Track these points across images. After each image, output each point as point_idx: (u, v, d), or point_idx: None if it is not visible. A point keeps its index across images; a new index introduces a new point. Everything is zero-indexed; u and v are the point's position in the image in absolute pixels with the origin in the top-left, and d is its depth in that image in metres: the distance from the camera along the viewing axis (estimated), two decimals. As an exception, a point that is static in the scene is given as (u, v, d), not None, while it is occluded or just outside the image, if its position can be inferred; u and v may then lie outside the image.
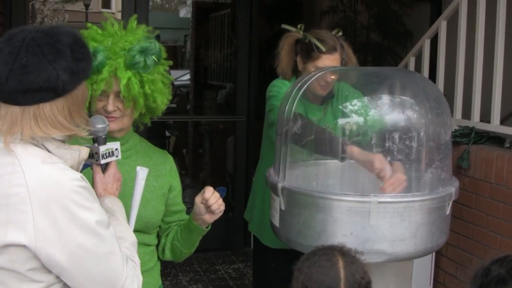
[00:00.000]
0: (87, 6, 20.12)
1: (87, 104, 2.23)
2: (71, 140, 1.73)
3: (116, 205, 1.98)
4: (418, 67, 4.51)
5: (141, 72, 2.18)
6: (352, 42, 7.10)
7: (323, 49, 2.91)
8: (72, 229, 1.58)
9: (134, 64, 2.16)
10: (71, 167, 1.68)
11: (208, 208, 2.20)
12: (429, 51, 4.42)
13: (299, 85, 2.75)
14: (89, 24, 2.26)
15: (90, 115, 2.28)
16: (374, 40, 7.18)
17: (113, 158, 2.06)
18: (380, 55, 7.00)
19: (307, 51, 2.97)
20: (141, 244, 2.34)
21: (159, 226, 2.40)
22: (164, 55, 2.31)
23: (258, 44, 6.16)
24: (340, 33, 3.06)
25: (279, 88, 3.01)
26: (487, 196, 3.48)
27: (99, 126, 2.07)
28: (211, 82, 8.76)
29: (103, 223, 1.65)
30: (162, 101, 2.28)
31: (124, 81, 2.14)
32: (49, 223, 1.55)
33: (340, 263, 1.83)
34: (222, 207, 2.23)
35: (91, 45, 2.19)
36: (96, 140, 2.07)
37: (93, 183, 2.04)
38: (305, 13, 8.48)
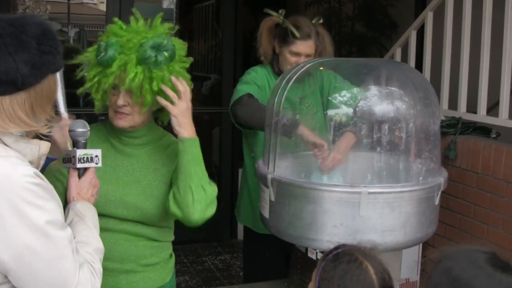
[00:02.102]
0: (69, -3, 19.96)
1: (99, 96, 2.23)
2: (32, 136, 1.66)
3: (88, 210, 1.92)
4: (405, 58, 4.53)
5: (151, 68, 2.17)
6: (337, 33, 7.16)
7: (298, 35, 3.04)
8: (19, 228, 1.50)
9: (145, 59, 2.15)
10: (31, 162, 1.62)
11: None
12: (415, 42, 4.43)
13: (287, 76, 2.74)
14: (115, 19, 2.26)
15: (106, 109, 2.29)
16: (359, 31, 7.19)
17: (92, 165, 2.04)
18: (365, 46, 7.02)
19: (283, 36, 3.10)
20: (141, 236, 2.34)
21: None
22: (182, 53, 2.29)
23: (243, 35, 6.14)
24: (321, 21, 3.18)
25: (251, 76, 3.16)
26: (474, 186, 3.50)
27: (79, 130, 2.07)
28: (196, 73, 8.71)
29: (56, 224, 1.57)
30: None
31: (131, 75, 2.14)
32: None
33: (371, 269, 1.82)
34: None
35: (106, 40, 2.19)
36: (75, 143, 2.06)
37: (67, 187, 2.01)
38: (290, 3, 8.46)
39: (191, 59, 2.35)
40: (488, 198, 3.40)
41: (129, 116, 2.25)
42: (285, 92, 2.65)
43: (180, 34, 2.38)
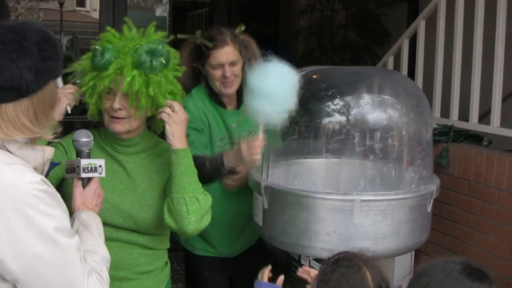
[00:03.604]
0: (61, 4, 19.97)
1: (93, 100, 2.24)
2: (35, 142, 1.65)
3: (93, 220, 1.92)
4: (397, 67, 4.54)
5: (147, 72, 2.19)
6: (329, 41, 7.18)
7: (210, 45, 2.84)
8: (28, 236, 1.49)
9: (141, 63, 2.18)
10: (35, 168, 1.61)
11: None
12: (407, 51, 4.45)
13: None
14: (108, 27, 2.29)
15: (101, 112, 2.30)
16: (352, 39, 7.21)
17: (96, 174, 2.04)
18: (358, 54, 7.03)
19: (200, 53, 2.89)
20: (135, 244, 2.34)
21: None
22: (176, 61, 2.32)
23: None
24: (243, 28, 2.98)
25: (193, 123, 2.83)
26: (466, 193, 3.51)
27: (83, 140, 2.08)
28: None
29: (64, 231, 1.56)
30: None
31: (128, 79, 2.16)
32: (2, 228, 1.47)
33: (369, 276, 1.84)
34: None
35: (102, 44, 2.21)
36: (79, 153, 2.07)
37: (72, 197, 2.01)
38: (283, 12, 8.48)
39: (184, 68, 2.37)
40: (480, 205, 3.41)
41: (125, 120, 2.27)
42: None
43: (173, 42, 2.40)
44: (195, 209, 2.21)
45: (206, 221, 2.27)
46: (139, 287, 2.39)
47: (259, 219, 2.64)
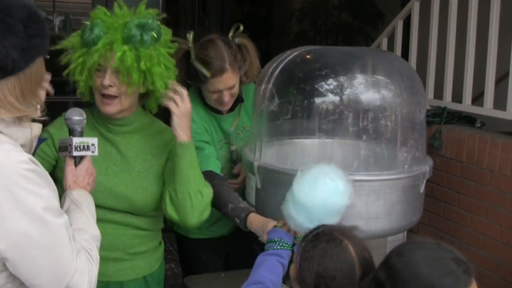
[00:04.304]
0: (54, -16, 19.81)
1: (83, 77, 2.21)
2: (22, 121, 1.62)
3: (85, 198, 1.91)
4: (391, 48, 4.54)
5: (137, 46, 2.16)
6: (323, 23, 7.16)
7: (208, 75, 2.64)
8: (16, 215, 1.48)
9: (131, 37, 2.14)
10: (23, 145, 1.60)
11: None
12: (401, 32, 4.45)
13: (274, 65, 2.75)
14: (99, 6, 2.26)
15: (91, 91, 2.28)
16: (346, 20, 7.19)
17: (88, 153, 2.04)
18: (351, 36, 7.02)
19: (195, 74, 2.70)
20: (129, 226, 2.33)
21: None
22: (167, 37, 2.29)
23: (230, 24, 6.12)
24: (241, 28, 2.79)
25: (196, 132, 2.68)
26: (459, 175, 3.53)
27: (76, 118, 2.06)
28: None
29: (52, 210, 1.55)
30: (161, 85, 2.25)
31: (119, 54, 2.13)
32: None
33: (351, 248, 1.82)
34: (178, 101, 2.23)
35: (93, 20, 2.18)
36: (72, 131, 2.06)
37: (64, 175, 2.00)
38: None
39: (176, 45, 2.35)
40: (472, 187, 3.43)
41: (116, 100, 2.23)
42: (273, 79, 2.65)
43: (166, 23, 2.38)
44: (199, 203, 2.24)
45: (207, 212, 2.30)
46: (133, 268, 2.39)
47: (251, 199, 2.64)
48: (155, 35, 2.19)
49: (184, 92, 2.26)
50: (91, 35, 2.16)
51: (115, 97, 2.23)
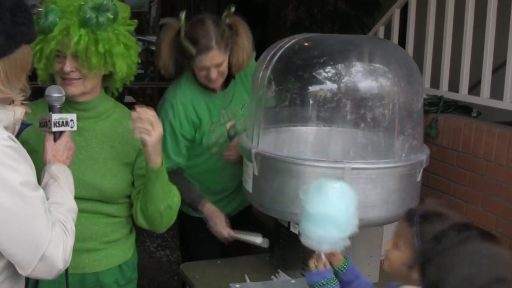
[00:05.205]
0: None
1: (41, 64, 2.20)
2: (6, 103, 1.70)
3: (63, 172, 1.97)
4: (388, 37, 4.53)
5: (94, 29, 2.13)
6: (319, 11, 7.13)
7: (194, 52, 2.75)
8: None
9: (86, 21, 2.11)
10: (6, 127, 1.67)
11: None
12: (398, 21, 4.44)
13: (272, 52, 2.74)
14: None
15: (52, 77, 2.26)
16: (342, 9, 7.17)
17: (67, 128, 2.09)
18: (348, 24, 7.00)
19: (183, 51, 2.80)
20: (101, 214, 2.31)
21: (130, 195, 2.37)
22: (126, 15, 2.25)
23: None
24: (232, 9, 2.85)
25: (171, 127, 2.90)
26: (455, 164, 3.53)
27: (55, 95, 2.09)
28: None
29: (29, 185, 1.63)
30: (121, 67, 2.22)
31: (75, 38, 2.11)
32: None
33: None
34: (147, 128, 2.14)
35: (45, 6, 2.16)
36: (51, 108, 2.09)
37: (43, 150, 2.05)
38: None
39: (135, 21, 2.31)
40: (468, 176, 3.43)
41: (79, 81, 2.20)
42: (271, 66, 2.65)
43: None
44: (168, 215, 2.32)
45: (175, 218, 2.38)
46: (108, 257, 2.37)
47: (249, 186, 2.64)
48: (111, 16, 2.14)
49: (150, 113, 2.14)
50: (46, 21, 2.11)
51: (78, 78, 2.21)
